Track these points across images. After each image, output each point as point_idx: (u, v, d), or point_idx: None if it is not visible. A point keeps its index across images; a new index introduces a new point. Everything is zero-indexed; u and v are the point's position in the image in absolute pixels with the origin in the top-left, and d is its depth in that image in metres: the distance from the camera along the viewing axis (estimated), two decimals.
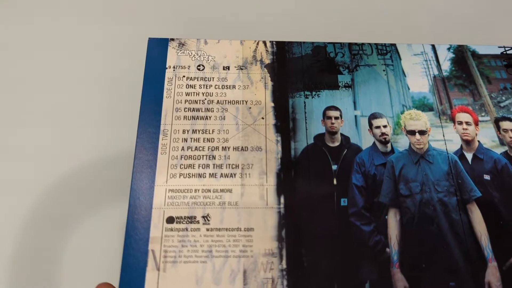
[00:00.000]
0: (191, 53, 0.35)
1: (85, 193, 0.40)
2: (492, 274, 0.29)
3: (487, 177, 0.32)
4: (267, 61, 0.35)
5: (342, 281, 0.28)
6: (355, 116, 0.33)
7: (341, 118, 0.33)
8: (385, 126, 0.33)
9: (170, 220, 0.29)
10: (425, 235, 0.29)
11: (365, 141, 0.32)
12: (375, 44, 0.37)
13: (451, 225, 0.30)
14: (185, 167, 0.31)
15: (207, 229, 0.29)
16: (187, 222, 0.29)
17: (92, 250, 0.37)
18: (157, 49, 0.35)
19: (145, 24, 0.49)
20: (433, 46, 0.37)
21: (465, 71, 0.36)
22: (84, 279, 0.35)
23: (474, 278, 0.28)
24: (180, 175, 0.31)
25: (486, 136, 0.33)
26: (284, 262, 0.28)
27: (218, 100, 0.33)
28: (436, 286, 0.28)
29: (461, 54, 0.37)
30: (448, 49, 0.37)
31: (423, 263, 0.29)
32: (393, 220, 0.30)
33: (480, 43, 0.37)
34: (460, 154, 0.32)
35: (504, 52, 0.37)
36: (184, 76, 0.34)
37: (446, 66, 0.36)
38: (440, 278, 0.28)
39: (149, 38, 0.36)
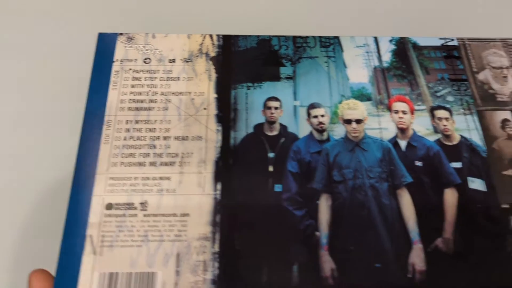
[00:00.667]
0: (139, 47, 0.37)
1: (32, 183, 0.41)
2: (417, 255, 0.30)
3: (419, 163, 0.33)
4: (213, 54, 0.36)
5: (271, 263, 0.29)
6: (295, 106, 0.35)
7: (280, 108, 0.34)
8: (322, 116, 0.34)
9: (108, 206, 0.31)
10: (355, 219, 0.31)
11: (303, 130, 0.34)
12: (319, 37, 0.38)
13: (380, 210, 0.31)
14: (126, 156, 0.32)
15: (144, 215, 0.30)
16: (125, 208, 0.30)
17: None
18: (106, 44, 0.37)
19: (96, 19, 0.50)
20: (376, 39, 0.38)
21: (405, 62, 0.37)
22: None
23: (399, 260, 0.29)
24: (121, 164, 0.32)
25: (421, 125, 0.34)
26: (216, 245, 0.30)
27: (162, 92, 0.35)
28: (362, 267, 0.29)
29: (402, 46, 0.38)
30: (390, 41, 0.38)
31: (351, 246, 0.30)
32: (324, 205, 0.31)
33: (423, 35, 0.38)
34: (394, 141, 0.33)
35: (445, 44, 0.38)
36: (130, 69, 0.35)
37: (387, 57, 0.37)
38: (366, 260, 0.29)
39: (98, 33, 0.37)
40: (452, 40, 0.38)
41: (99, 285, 0.28)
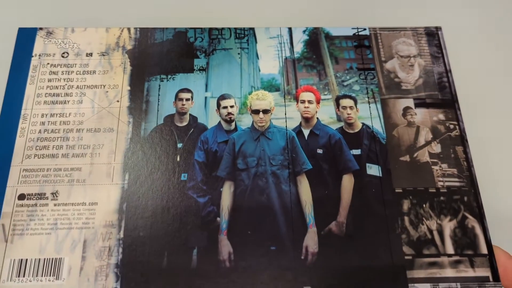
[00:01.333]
0: (58, 41, 0.38)
1: None
2: (311, 238, 0.32)
3: (320, 151, 0.34)
4: (129, 47, 0.38)
5: (172, 248, 0.31)
6: (206, 97, 0.36)
7: (192, 99, 0.36)
8: (232, 106, 0.36)
9: (21, 197, 0.32)
10: (255, 205, 0.32)
11: (212, 120, 0.35)
12: (234, 28, 0.39)
13: (280, 195, 0.33)
14: (40, 148, 0.34)
15: (55, 204, 0.32)
16: (37, 198, 0.32)
17: None
18: (26, 38, 0.38)
19: (16, 13, 0.50)
20: (290, 29, 0.39)
21: (316, 53, 0.38)
22: None
23: (293, 243, 0.31)
24: (35, 156, 0.33)
25: (325, 113, 0.36)
26: (122, 232, 0.31)
27: (78, 85, 0.36)
28: (258, 249, 0.31)
29: (315, 36, 0.39)
30: (304, 31, 0.39)
31: (248, 230, 0.32)
32: (227, 191, 0.33)
33: (338, 26, 0.40)
34: (298, 130, 0.35)
35: (357, 33, 0.39)
36: (48, 64, 0.37)
37: (299, 48, 0.38)
38: (262, 243, 0.31)
39: (19, 28, 0.38)
40: (364, 29, 0.39)
41: (9, 270, 0.30)
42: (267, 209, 0.32)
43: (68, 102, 0.35)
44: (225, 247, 0.31)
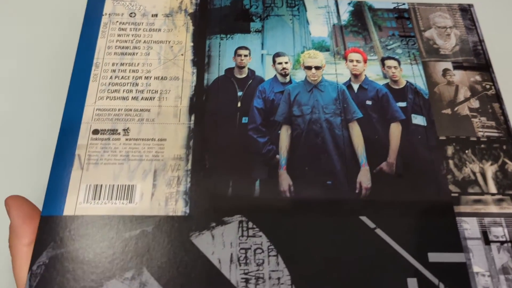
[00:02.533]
0: (125, 3, 0.41)
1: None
2: (364, 175, 0.34)
3: (369, 102, 0.37)
4: (191, 11, 0.41)
5: (236, 179, 0.33)
6: (262, 54, 0.39)
7: (249, 55, 0.39)
8: (286, 63, 0.39)
9: (95, 132, 0.35)
10: (310, 145, 0.35)
11: (268, 74, 0.38)
12: None
13: (333, 139, 0.35)
14: (112, 92, 0.37)
15: (126, 139, 0.35)
16: (110, 133, 0.35)
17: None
18: (96, 0, 0.41)
19: None
20: (336, 1, 0.43)
21: (361, 21, 0.42)
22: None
23: (348, 178, 0.34)
24: (107, 98, 0.36)
25: (372, 71, 0.39)
26: (189, 164, 0.34)
27: (145, 40, 0.39)
28: (315, 183, 0.34)
29: (359, 8, 0.43)
30: (349, 3, 0.43)
31: (306, 167, 0.34)
32: (285, 134, 0.36)
33: (378, 0, 0.43)
34: (348, 84, 0.38)
35: (397, 7, 0.43)
36: (117, 21, 0.40)
37: (345, 17, 0.42)
38: (319, 178, 0.34)
39: None
40: (404, 4, 0.43)
41: (85, 194, 0.32)
42: (322, 150, 0.35)
43: (136, 54, 0.38)
44: (285, 180, 0.34)
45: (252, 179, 0.33)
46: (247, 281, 0.30)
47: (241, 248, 0.31)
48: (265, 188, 0.33)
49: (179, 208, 0.32)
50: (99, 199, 0.32)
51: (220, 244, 0.31)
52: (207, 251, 0.31)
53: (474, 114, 0.37)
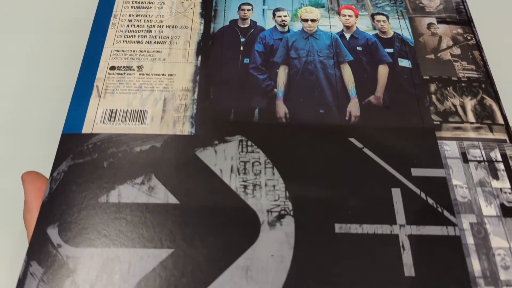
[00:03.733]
0: None
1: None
2: (353, 105, 0.38)
3: (359, 48, 0.41)
4: None
5: (237, 107, 0.37)
6: (263, 9, 0.44)
7: (252, 10, 0.43)
8: (285, 16, 0.43)
9: (112, 68, 0.39)
10: (305, 82, 0.39)
11: (269, 25, 0.42)
12: None
13: (326, 77, 0.39)
14: (128, 37, 0.41)
15: (140, 74, 0.39)
16: (125, 69, 0.39)
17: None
18: None
19: None
20: None
21: None
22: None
23: (339, 108, 0.37)
24: (123, 41, 0.41)
25: (363, 24, 0.43)
26: (196, 95, 0.38)
27: None
28: (309, 112, 0.37)
29: None
30: None
31: (301, 99, 0.38)
32: (282, 72, 0.39)
33: None
34: (341, 34, 0.42)
35: None
36: None
37: None
38: (312, 108, 0.37)
39: None
40: None
41: (102, 116, 0.36)
42: (316, 85, 0.39)
43: (150, 7, 0.43)
44: (282, 109, 0.37)
45: (252, 108, 0.37)
46: (245, 187, 0.33)
47: (241, 161, 0.34)
48: (263, 115, 0.37)
49: (185, 129, 0.36)
50: (114, 120, 0.36)
51: (222, 158, 0.34)
52: (210, 163, 0.34)
53: (456, 59, 0.41)
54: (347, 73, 0.39)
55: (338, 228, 0.32)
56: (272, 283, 0.30)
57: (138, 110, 0.37)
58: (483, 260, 0.31)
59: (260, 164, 0.34)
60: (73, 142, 0.35)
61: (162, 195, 0.33)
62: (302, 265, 0.30)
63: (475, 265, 0.31)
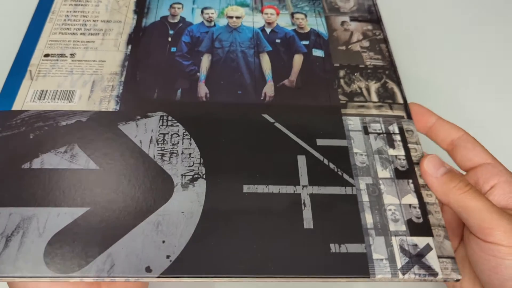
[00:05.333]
0: None
1: None
2: (268, 87, 0.41)
3: (278, 40, 0.45)
4: None
5: (161, 88, 0.40)
6: (192, 8, 0.48)
7: (182, 8, 0.47)
8: (212, 13, 0.47)
9: (46, 55, 0.42)
10: (227, 68, 0.42)
11: (197, 21, 0.46)
12: None
13: (246, 64, 0.43)
14: (63, 29, 0.44)
15: (72, 60, 0.42)
16: (58, 56, 0.42)
17: None
18: None
19: None
20: None
21: None
22: None
23: (255, 90, 0.41)
24: (59, 33, 0.44)
25: (283, 21, 0.47)
26: (123, 77, 0.41)
27: None
28: (228, 93, 0.40)
29: None
30: None
31: (221, 81, 0.41)
32: (206, 59, 0.43)
33: None
34: (262, 29, 0.46)
35: None
36: None
37: None
38: (231, 89, 0.41)
39: None
40: None
41: (32, 95, 0.39)
42: (236, 70, 0.42)
43: (87, 5, 0.47)
44: (203, 89, 0.41)
45: (175, 88, 0.40)
46: (162, 155, 0.36)
47: (160, 133, 0.37)
48: (185, 95, 0.40)
49: (111, 106, 0.39)
50: (44, 99, 0.39)
51: (142, 130, 0.37)
52: (131, 135, 0.37)
53: (364, 50, 0.45)
54: (265, 60, 0.43)
55: (246, 188, 0.35)
56: (181, 235, 0.32)
57: (67, 91, 0.39)
58: (376, 214, 0.34)
59: (178, 136, 0.37)
60: (2, 118, 0.37)
61: (83, 162, 0.35)
62: (210, 220, 0.33)
63: (368, 219, 0.34)
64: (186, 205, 0.33)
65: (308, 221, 0.33)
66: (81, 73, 0.41)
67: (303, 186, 0.35)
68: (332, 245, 0.32)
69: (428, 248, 0.33)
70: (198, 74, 0.42)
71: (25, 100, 0.38)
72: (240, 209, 0.34)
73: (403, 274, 0.31)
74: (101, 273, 0.30)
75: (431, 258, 0.32)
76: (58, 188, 0.33)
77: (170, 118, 0.38)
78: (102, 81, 0.40)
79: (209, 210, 0.33)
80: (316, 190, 0.35)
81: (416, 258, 0.32)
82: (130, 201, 0.33)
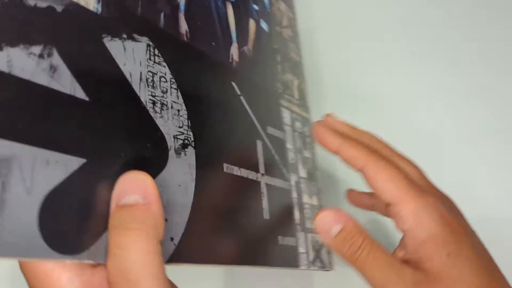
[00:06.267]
0: None
1: None
2: (234, 50, 0.38)
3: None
4: None
5: (144, 3, 0.31)
6: None
7: None
8: None
9: None
10: (202, 8, 0.36)
11: None
12: None
13: (216, 8, 0.37)
14: None
15: None
16: None
17: None
18: None
19: None
20: None
21: None
22: None
23: (225, 47, 0.37)
24: None
25: None
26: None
27: None
28: (204, 40, 0.35)
29: None
30: None
31: (199, 22, 0.35)
32: None
33: None
34: None
35: None
36: None
37: None
38: (207, 37, 0.35)
39: None
40: None
41: None
42: (209, 13, 0.37)
43: None
44: (183, 24, 0.33)
45: (157, 9, 0.32)
46: (154, 103, 0.29)
47: (149, 71, 0.29)
48: (168, 23, 0.32)
49: (91, 3, 0.27)
50: None
51: (131, 59, 0.28)
52: (119, 61, 0.27)
53: (290, 40, 0.48)
54: (230, 13, 0.39)
55: (226, 168, 0.33)
56: (180, 215, 0.28)
57: None
58: (299, 212, 0.40)
59: (166, 81, 0.30)
60: None
61: (68, 84, 0.24)
62: (202, 201, 0.30)
63: (296, 215, 0.39)
64: (181, 177, 0.29)
65: (266, 211, 0.35)
66: None
67: (262, 174, 0.36)
68: (279, 237, 0.36)
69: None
70: (177, 0, 0.34)
71: None
72: (221, 191, 0.32)
73: (313, 265, 0.39)
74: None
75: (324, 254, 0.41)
76: (40, 116, 0.22)
77: (156, 52, 0.30)
78: None
79: (199, 189, 0.30)
80: (269, 180, 0.37)
81: (319, 253, 0.40)
82: (128, 159, 0.26)
